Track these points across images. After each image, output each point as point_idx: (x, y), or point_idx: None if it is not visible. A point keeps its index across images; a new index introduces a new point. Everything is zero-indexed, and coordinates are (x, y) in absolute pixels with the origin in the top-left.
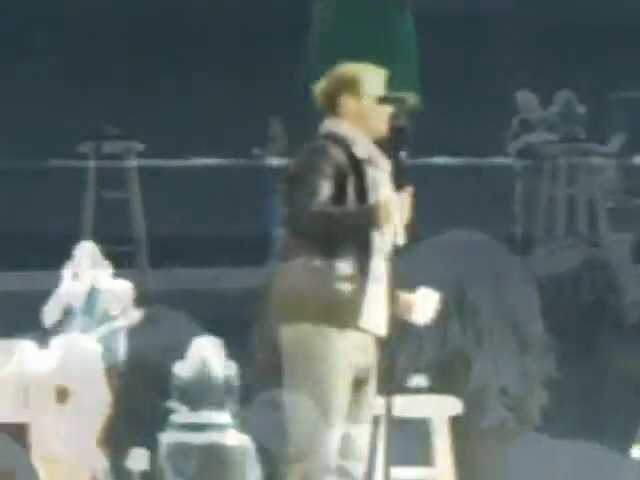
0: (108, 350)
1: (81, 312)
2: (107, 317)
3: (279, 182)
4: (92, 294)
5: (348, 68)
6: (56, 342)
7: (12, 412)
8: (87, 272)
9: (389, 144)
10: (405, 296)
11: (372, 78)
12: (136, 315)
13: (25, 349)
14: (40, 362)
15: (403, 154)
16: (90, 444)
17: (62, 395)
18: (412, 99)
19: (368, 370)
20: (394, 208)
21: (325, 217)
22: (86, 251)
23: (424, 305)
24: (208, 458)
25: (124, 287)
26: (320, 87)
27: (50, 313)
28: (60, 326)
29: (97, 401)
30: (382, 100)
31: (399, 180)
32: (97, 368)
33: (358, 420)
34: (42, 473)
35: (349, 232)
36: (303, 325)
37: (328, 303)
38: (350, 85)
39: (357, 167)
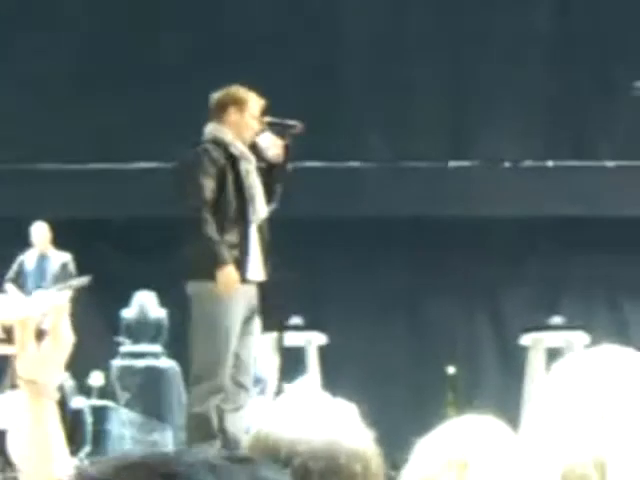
0: None
1: (32, 274)
2: (57, 280)
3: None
4: (42, 259)
5: (237, 88)
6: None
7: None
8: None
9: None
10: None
11: (254, 102)
12: (85, 279)
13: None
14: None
15: (289, 166)
16: (60, 369)
17: (40, 334)
18: (296, 125)
19: (253, 309)
20: (230, 278)
21: (201, 227)
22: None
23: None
24: (146, 377)
25: (67, 257)
26: (214, 97)
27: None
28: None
29: (65, 339)
30: (270, 124)
31: (286, 190)
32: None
33: (246, 346)
34: (23, 390)
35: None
36: (204, 282)
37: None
38: (237, 102)
39: (233, 162)
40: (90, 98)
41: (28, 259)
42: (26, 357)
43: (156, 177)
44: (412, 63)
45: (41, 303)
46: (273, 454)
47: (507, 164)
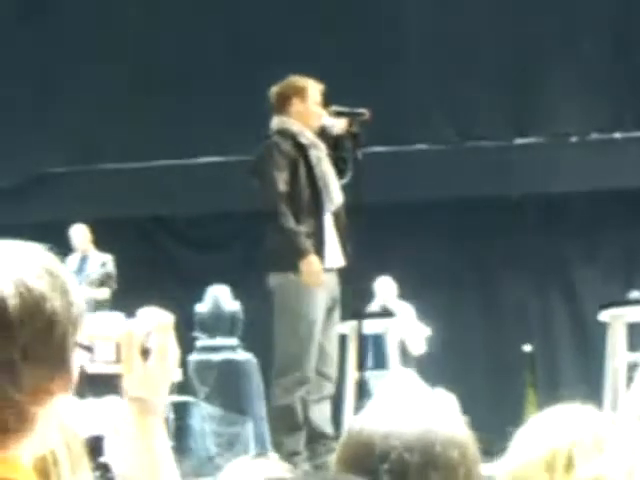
0: None
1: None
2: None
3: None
4: (83, 261)
5: (297, 78)
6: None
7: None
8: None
9: (349, 145)
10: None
11: (314, 89)
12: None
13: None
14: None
15: (359, 153)
16: (167, 387)
17: (145, 353)
18: (365, 113)
19: (335, 299)
20: (314, 267)
21: (280, 220)
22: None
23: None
24: (223, 370)
25: (108, 257)
26: (274, 91)
27: None
28: None
29: (171, 357)
30: (338, 113)
31: (357, 177)
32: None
33: (329, 336)
34: (130, 408)
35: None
36: (287, 273)
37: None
38: (298, 91)
39: (303, 151)
40: (149, 94)
41: (70, 262)
42: (133, 376)
43: (223, 171)
44: (474, 43)
45: (146, 321)
46: (367, 450)
47: (573, 139)
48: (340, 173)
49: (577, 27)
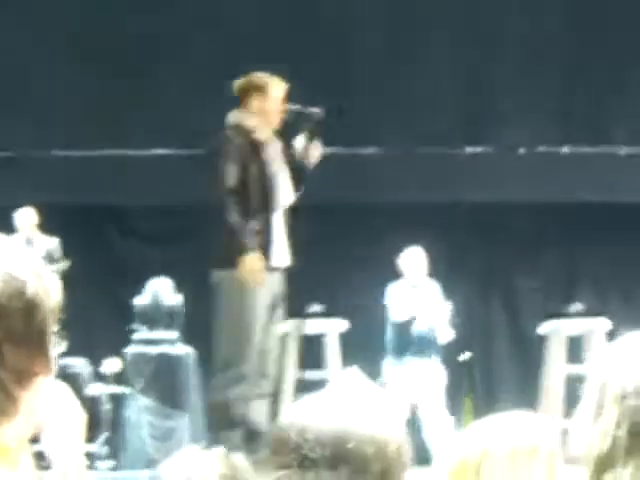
0: None
1: None
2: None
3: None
4: (28, 245)
5: (259, 75)
6: None
7: None
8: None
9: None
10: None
11: (276, 87)
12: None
13: None
14: None
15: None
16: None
17: None
18: (318, 112)
19: (279, 297)
20: (254, 265)
21: (225, 213)
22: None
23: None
24: (161, 364)
25: (54, 241)
26: (236, 85)
27: None
28: None
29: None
30: (292, 111)
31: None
32: None
33: (270, 335)
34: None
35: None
36: (229, 270)
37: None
38: (259, 88)
39: (257, 148)
40: (104, 81)
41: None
42: None
43: (171, 164)
44: (427, 50)
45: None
46: (285, 443)
47: (522, 150)
48: (297, 184)
49: (529, 40)
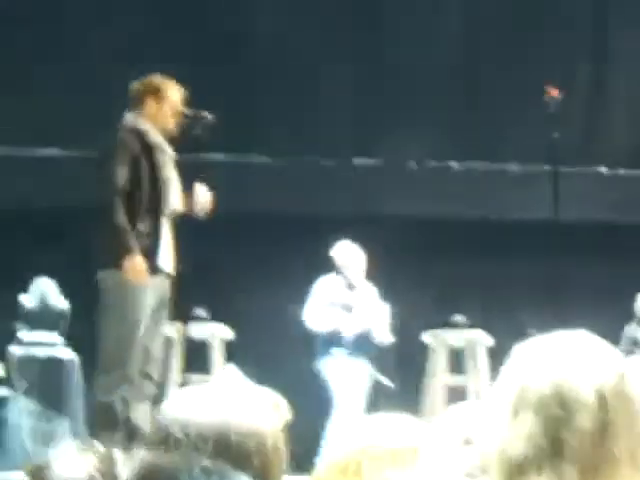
0: None
1: None
2: None
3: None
4: None
5: (156, 78)
6: None
7: None
8: None
9: (191, 147)
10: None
11: (173, 91)
12: None
13: None
14: None
15: (201, 155)
16: None
17: None
18: (208, 116)
19: (164, 300)
20: (138, 266)
21: (112, 214)
22: None
23: (199, 199)
24: (44, 366)
25: None
26: (132, 87)
27: None
28: None
29: None
30: (183, 115)
31: (199, 175)
32: None
33: (154, 337)
34: None
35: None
36: (114, 271)
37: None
38: (155, 92)
39: (149, 151)
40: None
41: None
42: None
43: (57, 164)
44: (318, 59)
45: None
46: (164, 439)
47: (411, 163)
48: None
49: (420, 57)
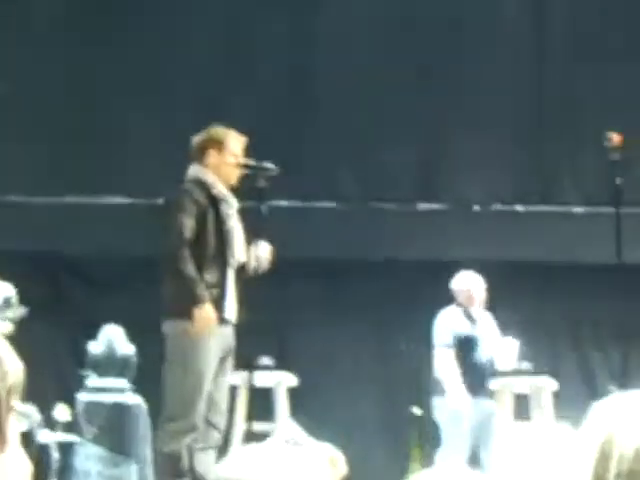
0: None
1: None
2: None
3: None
4: None
5: (217, 130)
6: None
7: None
8: None
9: (255, 199)
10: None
11: (234, 141)
12: (23, 310)
13: None
14: None
15: (264, 207)
16: None
17: None
18: (273, 168)
19: (229, 350)
20: (207, 317)
21: (180, 264)
22: None
23: (258, 254)
24: (112, 412)
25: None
26: (194, 140)
27: None
28: None
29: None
30: (246, 166)
31: (259, 229)
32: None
33: (220, 386)
34: None
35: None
36: (181, 320)
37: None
38: (217, 143)
39: (214, 203)
40: (56, 130)
41: None
42: None
43: (129, 213)
44: (383, 104)
45: None
46: None
47: (476, 207)
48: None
49: (483, 100)
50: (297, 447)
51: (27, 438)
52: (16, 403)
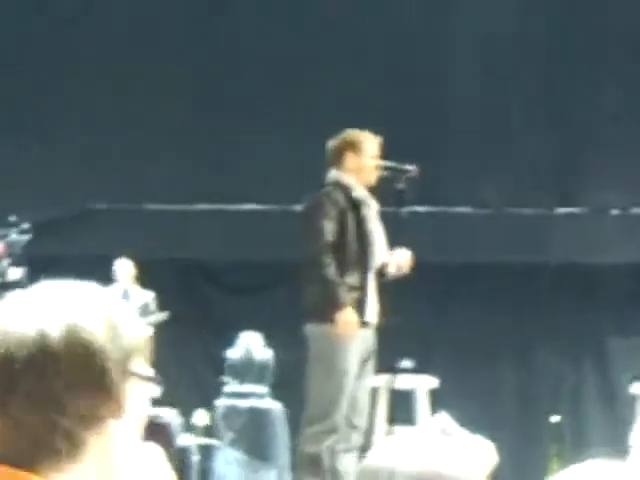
0: None
1: None
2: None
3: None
4: (124, 296)
5: (353, 133)
6: None
7: None
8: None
9: (395, 200)
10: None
11: (370, 143)
12: (163, 315)
13: None
14: None
15: (404, 211)
16: None
17: None
18: (412, 169)
19: (370, 352)
20: (350, 321)
21: (322, 268)
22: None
23: (398, 260)
24: (250, 417)
25: (150, 295)
26: (330, 145)
27: None
28: None
29: None
30: (386, 168)
31: (398, 233)
32: None
33: (361, 388)
34: None
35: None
36: (324, 324)
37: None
38: (353, 146)
39: (354, 206)
40: (198, 138)
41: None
42: None
43: (265, 219)
44: (520, 111)
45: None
46: None
47: (615, 211)
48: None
49: (626, 102)
50: (449, 437)
51: (167, 441)
52: (142, 368)
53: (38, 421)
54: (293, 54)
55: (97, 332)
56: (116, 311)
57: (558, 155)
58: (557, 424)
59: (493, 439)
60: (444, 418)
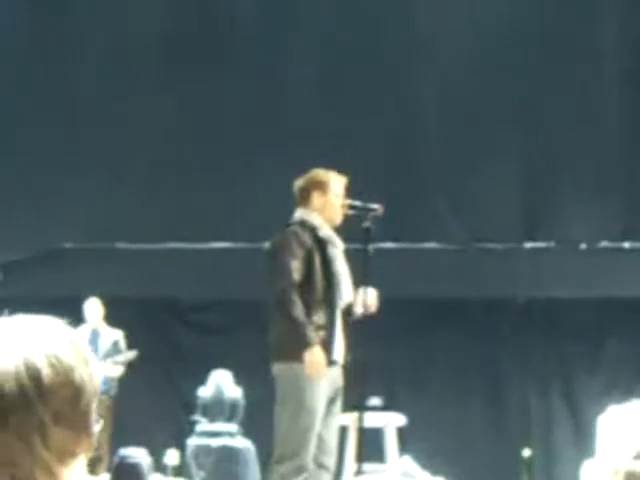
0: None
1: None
2: (107, 356)
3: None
4: (94, 335)
5: (319, 172)
6: None
7: None
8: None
9: (360, 238)
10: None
11: (336, 182)
12: (133, 354)
13: None
14: None
15: (370, 248)
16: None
17: None
18: (377, 208)
19: (337, 391)
20: (318, 359)
21: (289, 307)
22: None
23: (364, 300)
24: (221, 456)
25: (119, 334)
26: (297, 184)
27: None
28: None
29: None
30: (351, 207)
31: (366, 272)
32: None
33: (329, 427)
34: None
35: (297, 327)
36: (291, 362)
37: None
38: (320, 185)
39: (321, 245)
40: (167, 178)
41: (81, 334)
42: None
43: (231, 257)
44: (486, 146)
45: None
46: None
47: (582, 245)
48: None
49: (592, 136)
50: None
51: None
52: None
53: (22, 453)
54: (261, 96)
55: (81, 370)
56: (86, 348)
57: (526, 189)
58: (529, 458)
59: (465, 473)
60: (406, 461)
